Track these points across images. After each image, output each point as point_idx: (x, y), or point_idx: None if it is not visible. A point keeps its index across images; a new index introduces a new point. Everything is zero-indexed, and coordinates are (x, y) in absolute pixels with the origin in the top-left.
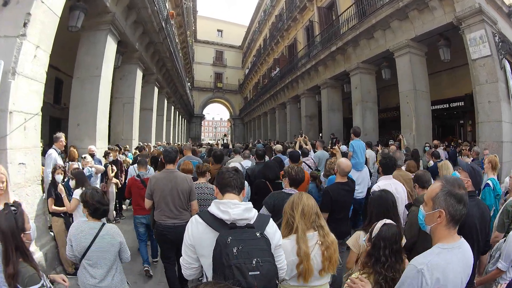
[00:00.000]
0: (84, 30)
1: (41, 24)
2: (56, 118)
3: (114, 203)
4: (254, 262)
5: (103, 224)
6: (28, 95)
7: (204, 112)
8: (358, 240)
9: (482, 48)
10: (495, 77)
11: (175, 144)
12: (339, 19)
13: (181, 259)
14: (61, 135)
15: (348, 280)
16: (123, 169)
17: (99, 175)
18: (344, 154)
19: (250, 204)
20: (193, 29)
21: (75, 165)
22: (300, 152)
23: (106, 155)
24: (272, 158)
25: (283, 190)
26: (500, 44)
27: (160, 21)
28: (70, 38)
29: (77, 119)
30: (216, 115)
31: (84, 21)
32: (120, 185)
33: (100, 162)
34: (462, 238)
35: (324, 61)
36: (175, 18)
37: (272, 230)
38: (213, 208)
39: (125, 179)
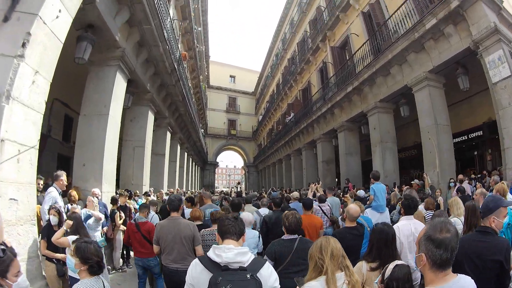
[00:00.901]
0: (93, 65)
1: (42, 47)
2: (65, 156)
3: (121, 251)
4: None
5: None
6: (24, 124)
7: (218, 159)
8: (361, 269)
9: (502, 70)
10: None
11: (188, 192)
12: (353, 58)
13: None
14: (61, 173)
15: None
16: (132, 216)
17: (102, 221)
18: (362, 199)
19: (245, 249)
20: (206, 75)
21: (77, 209)
22: (312, 199)
23: (113, 201)
24: (282, 207)
25: (282, 237)
26: None
27: (172, 62)
28: (81, 75)
29: (83, 158)
30: (230, 163)
31: (93, 55)
32: None
33: (105, 207)
34: (459, 275)
35: (340, 103)
36: (188, 61)
37: (266, 272)
38: (210, 252)
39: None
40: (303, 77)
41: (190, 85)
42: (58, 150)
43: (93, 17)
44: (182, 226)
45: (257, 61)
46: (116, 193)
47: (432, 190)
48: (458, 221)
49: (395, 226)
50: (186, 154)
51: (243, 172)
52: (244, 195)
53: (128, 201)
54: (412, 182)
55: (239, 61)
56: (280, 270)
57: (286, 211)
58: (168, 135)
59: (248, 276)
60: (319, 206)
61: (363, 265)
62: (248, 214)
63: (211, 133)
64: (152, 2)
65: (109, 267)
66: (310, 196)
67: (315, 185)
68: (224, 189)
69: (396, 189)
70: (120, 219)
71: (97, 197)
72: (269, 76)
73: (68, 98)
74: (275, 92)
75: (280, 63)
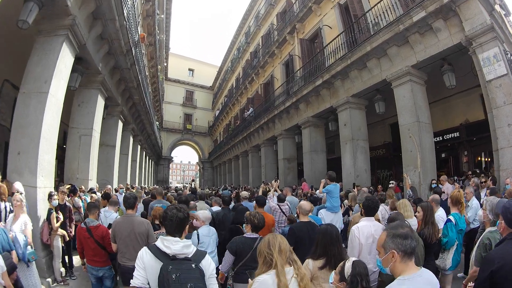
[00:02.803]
0: (40, 35)
1: None
2: None
3: (61, 260)
4: (188, 287)
5: None
6: None
7: (173, 154)
8: (308, 265)
9: (497, 68)
10: None
11: (143, 188)
12: (324, 51)
13: (133, 280)
14: None
15: None
16: (72, 217)
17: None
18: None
19: (189, 242)
20: (165, 66)
21: None
22: (265, 198)
23: (49, 197)
24: (235, 205)
25: (244, 235)
26: None
27: (128, 41)
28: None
29: (18, 145)
30: (184, 158)
31: (41, 24)
32: (68, 238)
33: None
34: (423, 268)
35: (307, 98)
36: (147, 47)
37: (207, 263)
38: (159, 243)
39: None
40: (265, 71)
41: (147, 73)
42: (7, 138)
43: None
44: (137, 223)
45: (217, 55)
46: (57, 189)
47: (413, 191)
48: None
49: (354, 227)
50: (139, 147)
51: (198, 168)
52: (199, 191)
53: (68, 199)
54: (391, 185)
55: (198, 55)
56: (241, 265)
57: (248, 211)
58: (120, 124)
59: (193, 265)
60: (278, 205)
61: (309, 263)
62: (204, 212)
63: (166, 127)
64: None
65: (49, 279)
66: (260, 193)
67: (273, 184)
68: (178, 185)
69: (355, 189)
70: (58, 221)
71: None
72: (229, 70)
73: (21, 80)
74: (234, 86)
75: (241, 57)
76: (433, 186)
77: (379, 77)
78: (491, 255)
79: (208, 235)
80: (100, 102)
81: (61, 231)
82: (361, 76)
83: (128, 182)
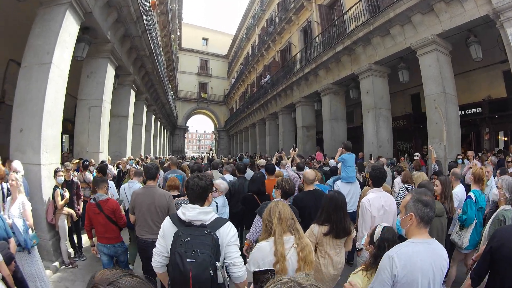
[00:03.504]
0: (42, 6)
1: None
2: None
3: (67, 240)
4: (193, 252)
5: None
6: None
7: (188, 123)
8: (313, 230)
9: None
10: None
11: (158, 158)
12: (343, 18)
13: (154, 249)
14: None
15: (347, 283)
16: (80, 193)
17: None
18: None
19: (208, 209)
20: (178, 35)
21: None
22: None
23: (54, 174)
24: (255, 173)
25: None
26: None
27: (138, 7)
28: None
29: (21, 122)
30: (200, 127)
31: None
32: (77, 217)
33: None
34: (434, 239)
35: (326, 64)
36: (159, 16)
37: (225, 231)
38: (178, 211)
39: (84, 206)
40: (282, 38)
41: (160, 42)
42: None
43: None
44: (158, 195)
45: (232, 24)
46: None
47: (439, 165)
48: None
49: (365, 200)
50: (153, 117)
51: (214, 137)
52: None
53: (77, 174)
54: (415, 157)
55: (212, 24)
56: None
57: (279, 178)
58: (133, 94)
59: (206, 232)
60: (297, 173)
61: (314, 228)
62: (222, 182)
63: (181, 96)
64: None
65: (57, 263)
66: (274, 162)
67: (294, 151)
68: (195, 155)
69: (372, 160)
70: (63, 198)
71: (16, 173)
72: (244, 38)
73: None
74: (250, 54)
75: (257, 25)
76: (458, 161)
77: (403, 45)
78: (495, 232)
79: (224, 205)
80: (110, 72)
81: (67, 210)
82: (383, 43)
83: (142, 153)
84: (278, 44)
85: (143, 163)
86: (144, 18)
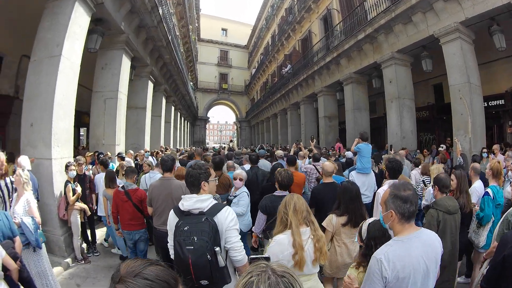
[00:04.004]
0: (49, 0)
1: None
2: None
3: (79, 237)
4: (191, 240)
5: None
6: None
7: (209, 114)
8: (331, 220)
9: None
10: None
11: (179, 150)
12: (363, 5)
13: (168, 243)
14: None
15: (346, 277)
16: (93, 188)
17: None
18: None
19: (204, 197)
20: (196, 26)
21: None
22: (296, 157)
23: (66, 168)
24: (274, 164)
25: (274, 193)
26: None
27: None
28: None
29: (31, 116)
30: (221, 118)
31: None
32: (90, 212)
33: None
34: (422, 229)
35: (348, 52)
36: (175, 6)
37: (222, 216)
38: (179, 202)
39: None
40: (302, 26)
41: (177, 33)
42: None
43: None
44: (174, 186)
45: (251, 14)
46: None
47: (464, 158)
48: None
49: (380, 190)
50: (173, 108)
51: (235, 127)
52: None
53: (92, 167)
54: (440, 149)
55: (231, 14)
56: (271, 222)
57: (278, 168)
58: (150, 85)
59: (203, 219)
60: (313, 165)
61: (333, 218)
62: (242, 172)
63: (201, 87)
64: None
65: (69, 259)
66: (292, 153)
67: (312, 142)
68: (216, 146)
69: (392, 151)
70: (74, 193)
71: (22, 169)
72: (263, 28)
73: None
74: (270, 44)
75: (276, 14)
76: (484, 155)
77: (426, 33)
78: (506, 237)
79: (248, 194)
80: (126, 63)
81: (79, 205)
82: (406, 31)
83: (162, 144)
84: (298, 33)
85: (162, 154)
86: (160, 8)
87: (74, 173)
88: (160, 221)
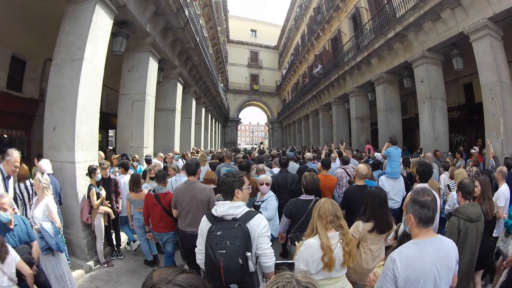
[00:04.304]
0: (70, 4)
1: None
2: None
3: (103, 240)
4: (224, 244)
5: None
6: None
7: (241, 115)
8: (358, 227)
9: None
10: None
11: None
12: (392, 3)
13: (196, 248)
14: (11, 152)
15: (372, 273)
16: (119, 191)
17: (41, 204)
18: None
19: (238, 204)
20: (225, 27)
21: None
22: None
23: (91, 172)
24: (300, 167)
25: (300, 197)
26: None
27: None
28: None
29: (54, 120)
30: (253, 119)
31: None
32: (114, 216)
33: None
34: (439, 235)
35: (379, 52)
36: (202, 8)
37: (255, 223)
38: (213, 208)
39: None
40: (331, 26)
41: (206, 34)
42: None
43: None
44: (198, 190)
45: (279, 14)
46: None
47: (496, 161)
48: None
49: (410, 193)
50: (203, 109)
51: (267, 128)
52: (267, 153)
53: (118, 170)
54: (473, 151)
55: (260, 15)
56: (297, 227)
57: (305, 172)
58: (179, 87)
59: (237, 225)
60: (343, 168)
61: (359, 224)
62: (267, 177)
63: (232, 89)
64: None
65: (91, 261)
66: (323, 156)
67: (342, 145)
68: (247, 147)
69: (422, 154)
70: (99, 197)
71: (42, 173)
72: (292, 28)
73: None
74: (299, 44)
75: (304, 14)
76: None
77: (455, 30)
78: None
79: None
80: (153, 65)
81: (103, 209)
82: (435, 28)
83: (193, 146)
84: (327, 32)
85: (192, 156)
86: (186, 9)
87: (100, 176)
88: (185, 223)
